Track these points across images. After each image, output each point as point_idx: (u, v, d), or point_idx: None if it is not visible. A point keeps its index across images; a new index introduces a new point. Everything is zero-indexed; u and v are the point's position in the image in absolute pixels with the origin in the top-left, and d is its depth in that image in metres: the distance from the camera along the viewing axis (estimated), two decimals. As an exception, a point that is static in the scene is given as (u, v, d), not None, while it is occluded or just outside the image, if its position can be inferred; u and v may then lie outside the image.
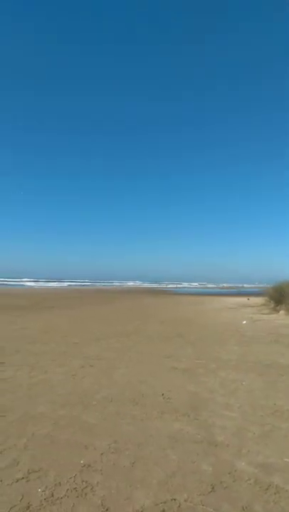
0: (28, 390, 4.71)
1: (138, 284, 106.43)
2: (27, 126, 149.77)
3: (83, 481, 2.57)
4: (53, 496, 2.39)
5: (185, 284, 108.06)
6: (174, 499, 2.37)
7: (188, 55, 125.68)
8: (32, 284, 71.24)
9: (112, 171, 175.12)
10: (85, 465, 2.81)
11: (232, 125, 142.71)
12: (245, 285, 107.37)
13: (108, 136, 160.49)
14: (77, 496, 2.38)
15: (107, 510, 2.26)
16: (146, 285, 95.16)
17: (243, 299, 28.28)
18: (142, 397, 4.53)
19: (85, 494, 2.41)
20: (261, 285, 56.57)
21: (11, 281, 72.76)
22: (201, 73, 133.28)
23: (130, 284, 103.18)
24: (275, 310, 16.72)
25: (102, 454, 3.00)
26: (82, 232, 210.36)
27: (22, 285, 64.22)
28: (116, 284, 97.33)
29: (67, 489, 2.46)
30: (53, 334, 9.29)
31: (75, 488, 2.47)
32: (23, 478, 2.60)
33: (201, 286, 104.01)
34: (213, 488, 2.51)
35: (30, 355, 6.72)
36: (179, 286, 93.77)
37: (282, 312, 15.78)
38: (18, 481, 2.56)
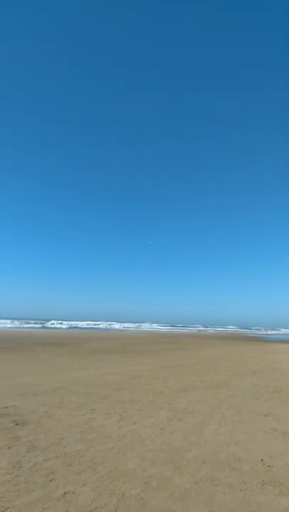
0: (118, 441, 4.61)
1: (232, 329, 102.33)
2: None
3: None
4: None
5: (285, 331, 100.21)
6: None
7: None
8: (118, 326, 73.82)
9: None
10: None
11: None
12: None
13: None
14: None
15: None
16: (239, 331, 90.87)
17: None
18: (237, 462, 4.07)
19: None
20: None
21: (99, 325, 76.45)
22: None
23: (220, 329, 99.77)
24: None
25: (198, 527, 2.70)
26: (174, 279, 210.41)
27: (109, 328, 66.69)
28: (208, 329, 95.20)
29: None
30: (139, 381, 9.18)
31: None
32: None
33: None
34: None
35: (118, 403, 6.68)
36: (276, 332, 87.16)
37: None
38: None
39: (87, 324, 76.73)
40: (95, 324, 77.77)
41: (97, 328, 66.63)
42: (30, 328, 53.18)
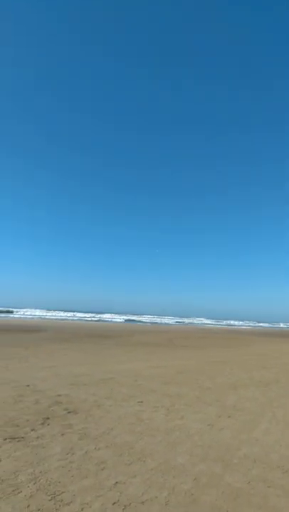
0: (166, 435, 4.63)
1: (285, 326, 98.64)
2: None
3: None
4: None
5: None
6: None
7: None
8: (170, 321, 74.63)
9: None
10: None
11: None
12: None
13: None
14: None
15: None
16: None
17: None
18: (291, 464, 3.90)
19: None
20: None
21: (151, 318, 77.97)
22: None
23: (271, 325, 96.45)
24: None
25: (251, 529, 2.63)
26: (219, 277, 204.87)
27: (160, 323, 67.39)
28: (260, 324, 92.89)
29: None
30: (186, 376, 9.15)
31: None
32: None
33: None
34: None
35: (165, 397, 6.71)
36: None
37: None
38: None
39: (147, 318, 78.73)
40: (148, 318, 79.25)
41: (150, 322, 67.64)
42: (86, 320, 55.59)
